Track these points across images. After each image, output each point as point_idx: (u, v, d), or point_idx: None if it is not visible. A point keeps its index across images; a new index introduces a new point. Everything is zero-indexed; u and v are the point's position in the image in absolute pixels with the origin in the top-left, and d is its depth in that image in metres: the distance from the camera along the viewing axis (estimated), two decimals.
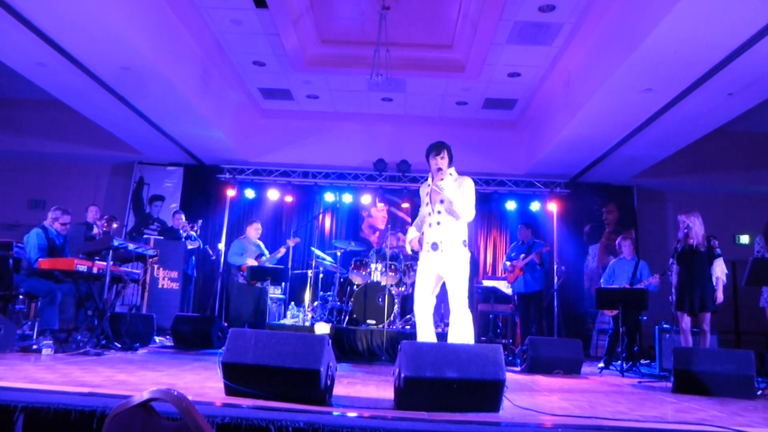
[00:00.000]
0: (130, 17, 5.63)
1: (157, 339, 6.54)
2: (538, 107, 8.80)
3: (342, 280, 7.53)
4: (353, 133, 9.86)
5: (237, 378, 2.93)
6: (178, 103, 7.36)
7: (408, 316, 7.15)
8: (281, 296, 8.38)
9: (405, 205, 9.81)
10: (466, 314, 3.88)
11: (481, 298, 7.73)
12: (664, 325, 6.53)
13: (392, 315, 6.71)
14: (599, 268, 9.20)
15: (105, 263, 5.25)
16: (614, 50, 5.91)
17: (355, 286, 7.12)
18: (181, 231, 7.89)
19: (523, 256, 7.39)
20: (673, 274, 5.51)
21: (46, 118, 9.57)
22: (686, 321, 5.47)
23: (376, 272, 7.07)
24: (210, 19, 6.90)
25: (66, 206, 5.81)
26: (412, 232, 4.24)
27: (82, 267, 5.06)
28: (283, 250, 7.63)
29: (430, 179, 4.13)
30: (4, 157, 10.13)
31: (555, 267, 9.10)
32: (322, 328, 6.44)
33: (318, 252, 7.68)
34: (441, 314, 6.91)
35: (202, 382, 3.56)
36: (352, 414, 2.58)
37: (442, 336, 4.52)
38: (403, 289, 7.12)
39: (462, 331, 3.85)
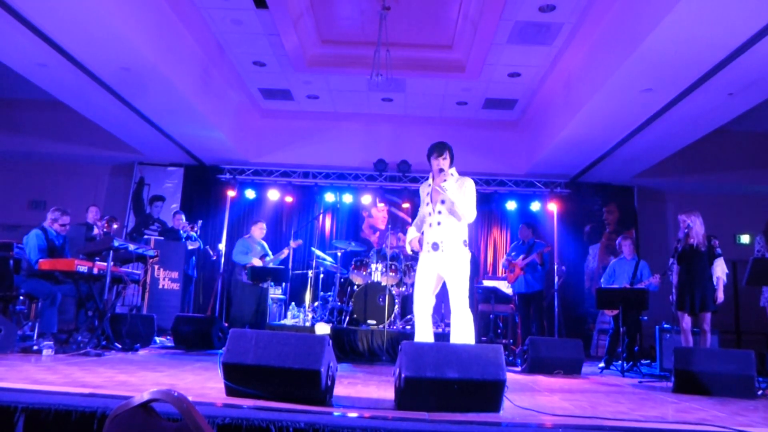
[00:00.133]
0: (130, 18, 5.63)
1: (157, 339, 6.54)
2: (539, 107, 8.80)
3: (342, 280, 7.53)
4: (353, 134, 9.86)
5: (238, 378, 2.93)
6: (178, 104, 7.37)
7: (408, 317, 7.15)
8: (281, 296, 8.39)
9: (405, 205, 9.80)
10: (467, 314, 3.88)
11: (481, 298, 7.73)
12: (665, 325, 6.52)
13: (393, 315, 6.71)
14: (600, 268, 9.20)
15: (105, 264, 5.25)
16: (614, 50, 5.91)
17: (355, 287, 7.12)
18: (182, 231, 7.89)
19: (523, 256, 7.39)
20: (674, 274, 5.51)
21: (47, 119, 9.57)
22: (687, 321, 5.47)
23: (377, 272, 7.07)
24: (210, 20, 6.90)
25: (66, 207, 5.82)
26: (412, 232, 4.24)
27: (83, 268, 5.06)
28: (286, 252, 7.68)
29: (430, 179, 4.13)
30: (4, 158, 10.14)
31: (555, 267, 9.10)
32: (323, 329, 6.44)
33: (318, 252, 7.68)
34: (442, 314, 6.91)
35: (202, 382, 3.56)
36: (352, 414, 2.58)
37: (443, 336, 4.53)
38: (403, 289, 7.12)
39: (463, 331, 3.85)
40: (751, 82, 5.85)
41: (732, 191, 9.85)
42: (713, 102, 6.42)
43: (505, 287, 7.73)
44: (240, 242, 7.51)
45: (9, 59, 6.35)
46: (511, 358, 6.39)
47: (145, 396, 1.50)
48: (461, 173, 4.12)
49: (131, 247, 5.65)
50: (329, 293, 7.41)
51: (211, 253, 8.53)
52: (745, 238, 9.73)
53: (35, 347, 4.74)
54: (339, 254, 7.76)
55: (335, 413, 2.59)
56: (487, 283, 8.20)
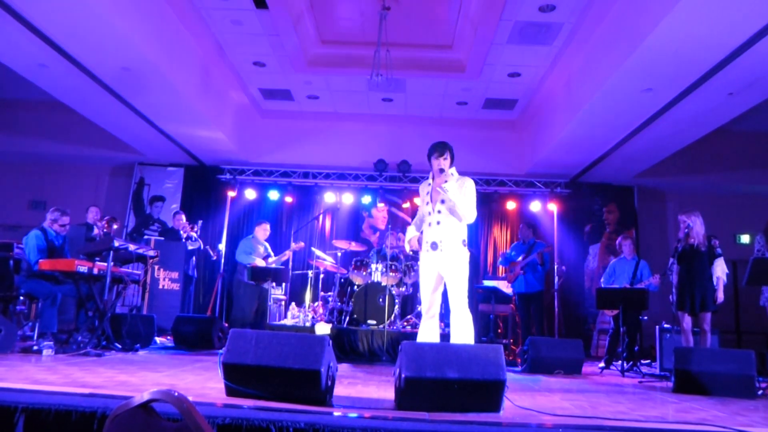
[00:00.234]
0: (130, 18, 5.63)
1: (157, 340, 6.54)
2: (539, 107, 8.80)
3: (342, 280, 7.54)
4: (353, 134, 9.86)
5: (238, 378, 2.93)
6: (178, 104, 7.37)
7: (408, 317, 7.15)
8: (282, 296, 8.39)
9: (405, 205, 9.80)
10: (466, 314, 3.88)
11: (481, 298, 7.72)
12: (665, 325, 6.52)
13: (393, 315, 6.71)
14: (600, 268, 9.19)
15: (105, 264, 5.25)
16: (615, 50, 5.91)
17: (355, 287, 7.12)
18: (182, 232, 7.89)
19: (523, 256, 7.40)
20: (674, 274, 5.50)
21: (47, 119, 9.58)
22: (687, 321, 5.47)
23: (377, 272, 7.07)
24: (210, 20, 6.90)
25: (66, 207, 5.82)
26: (411, 232, 4.24)
27: (83, 268, 5.06)
28: (288, 254, 7.73)
29: (430, 178, 4.13)
30: (4, 158, 10.14)
31: (556, 267, 9.11)
32: (323, 329, 6.44)
33: (318, 252, 7.68)
34: (441, 314, 6.89)
35: (202, 382, 3.57)
36: (352, 414, 2.58)
37: (443, 336, 4.53)
38: (403, 289, 7.12)
39: (462, 331, 3.85)
40: (751, 81, 5.85)
41: (732, 191, 9.84)
42: (713, 102, 6.42)
43: (505, 287, 7.73)
44: (244, 242, 7.55)
45: (9, 60, 6.36)
46: (511, 358, 6.39)
47: (146, 396, 1.50)
48: (461, 173, 4.12)
49: (131, 247, 5.65)
50: (329, 293, 7.41)
51: (212, 253, 8.53)
52: (745, 238, 9.72)
53: (35, 347, 4.74)
54: (339, 254, 7.76)
55: (335, 413, 2.59)
56: (487, 283, 8.20)
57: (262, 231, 7.60)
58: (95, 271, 5.20)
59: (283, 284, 8.20)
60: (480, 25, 6.64)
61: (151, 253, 6.01)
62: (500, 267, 9.03)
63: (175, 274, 7.85)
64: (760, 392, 4.27)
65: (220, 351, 3.05)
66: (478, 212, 4.10)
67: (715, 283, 5.38)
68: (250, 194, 9.73)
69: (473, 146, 9.57)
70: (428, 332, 4.03)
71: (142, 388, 3.10)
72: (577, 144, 8.03)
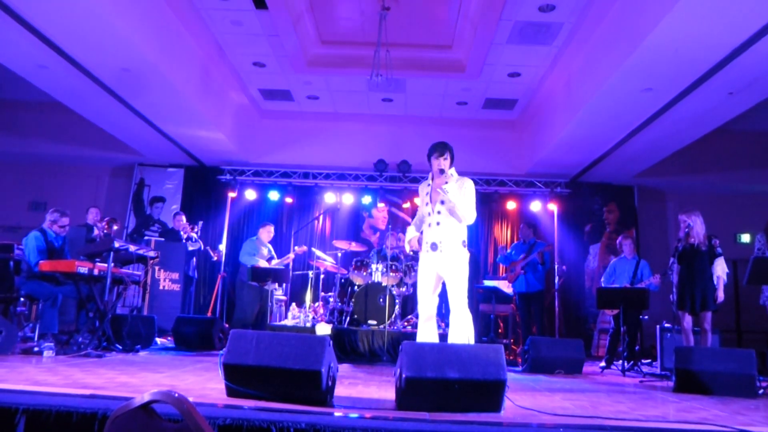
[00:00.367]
0: (130, 19, 5.63)
1: (158, 340, 6.54)
2: (539, 107, 8.80)
3: (343, 280, 7.53)
4: (353, 134, 9.86)
5: (238, 379, 2.93)
6: (178, 105, 7.37)
7: (409, 317, 7.15)
8: (282, 297, 8.39)
9: (406, 205, 9.80)
10: (466, 314, 3.89)
11: (482, 298, 7.73)
12: (666, 325, 6.52)
13: (393, 315, 6.71)
14: (600, 268, 9.19)
15: (106, 265, 5.25)
16: (614, 50, 5.91)
17: (356, 287, 7.11)
18: (182, 232, 7.89)
19: (524, 255, 7.40)
20: (674, 274, 5.50)
21: (47, 120, 9.58)
22: (687, 320, 5.47)
23: (377, 273, 7.07)
24: (210, 20, 6.90)
25: (67, 208, 5.82)
26: (411, 232, 4.24)
27: (83, 269, 5.06)
28: (291, 256, 7.76)
29: (430, 178, 4.13)
30: (4, 159, 10.14)
31: (556, 267, 9.11)
32: (323, 329, 6.44)
33: (319, 253, 7.68)
34: (442, 314, 6.90)
35: (203, 383, 3.57)
36: (353, 415, 2.58)
37: (443, 336, 4.53)
38: (404, 289, 7.12)
39: (462, 331, 3.85)
40: (751, 81, 5.85)
41: (732, 190, 9.84)
42: (713, 101, 6.42)
43: (505, 287, 7.74)
44: (248, 243, 7.57)
45: (9, 61, 6.36)
46: (511, 358, 6.39)
47: (146, 397, 1.50)
48: (461, 173, 4.12)
49: (132, 248, 5.65)
50: (330, 294, 7.41)
51: (212, 254, 8.54)
52: (745, 237, 9.72)
53: (36, 348, 4.75)
54: (339, 254, 7.76)
55: (336, 413, 2.59)
56: (487, 282, 8.20)
57: (266, 233, 7.62)
58: (96, 272, 5.20)
59: (284, 285, 8.21)
60: (480, 25, 6.64)
61: (152, 254, 6.01)
62: (501, 267, 9.03)
63: (175, 275, 7.85)
64: (760, 391, 4.27)
65: (221, 352, 3.05)
66: (478, 212, 4.10)
67: (715, 283, 5.39)
68: (251, 195, 9.73)
69: (473, 146, 9.57)
70: (427, 333, 4.02)
71: (143, 389, 3.10)
72: (577, 144, 8.03)
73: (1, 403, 2.29)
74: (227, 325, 7.51)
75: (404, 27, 7.09)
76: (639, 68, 5.71)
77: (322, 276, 7.87)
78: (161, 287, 7.80)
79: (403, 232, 7.74)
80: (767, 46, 5.06)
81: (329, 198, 9.74)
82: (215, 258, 8.74)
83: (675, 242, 5.64)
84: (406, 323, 6.91)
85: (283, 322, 7.27)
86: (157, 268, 7.69)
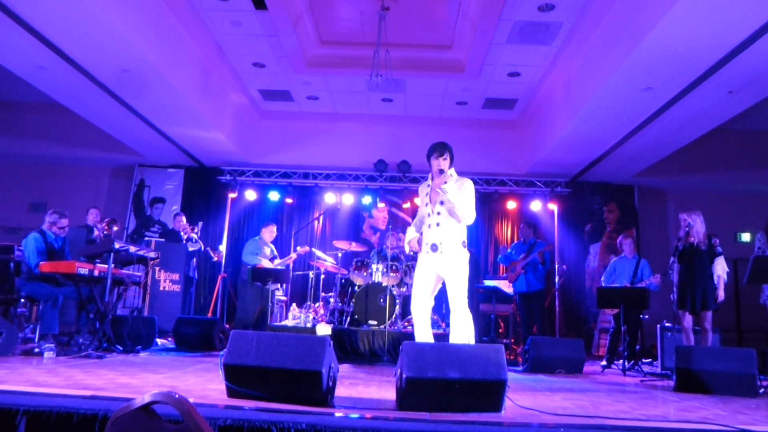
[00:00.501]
0: (130, 19, 5.63)
1: (158, 341, 6.54)
2: (539, 107, 8.80)
3: (343, 281, 7.54)
4: (353, 134, 9.86)
5: (239, 380, 2.93)
6: (178, 105, 7.37)
7: (409, 317, 7.14)
8: (283, 297, 8.40)
9: (406, 205, 9.80)
10: (467, 314, 3.88)
11: (482, 298, 7.73)
12: (666, 324, 6.52)
13: (393, 316, 6.71)
14: (600, 267, 9.19)
15: (106, 266, 5.25)
16: (614, 49, 5.91)
17: (356, 287, 7.11)
18: (182, 233, 7.90)
19: (524, 255, 7.40)
20: (674, 273, 5.50)
21: (47, 121, 9.58)
22: (688, 319, 5.47)
23: (377, 273, 7.07)
24: (210, 21, 6.90)
25: (67, 209, 5.82)
26: (410, 233, 4.24)
27: (84, 270, 5.06)
28: (294, 256, 7.77)
29: (429, 179, 4.13)
30: (4, 160, 10.14)
31: (556, 266, 9.11)
32: (324, 329, 6.44)
33: (319, 253, 7.68)
34: (442, 315, 6.91)
35: (204, 384, 3.57)
36: (354, 415, 2.58)
37: (444, 337, 4.53)
38: (404, 289, 7.12)
39: (462, 331, 3.85)
40: (750, 80, 5.85)
41: (732, 189, 9.84)
42: (713, 100, 6.42)
43: (506, 287, 7.74)
44: (250, 243, 7.58)
45: (9, 62, 6.36)
46: (512, 358, 6.38)
47: (147, 398, 1.50)
48: (461, 173, 4.12)
49: (132, 249, 5.65)
50: (330, 294, 7.41)
51: (212, 254, 8.54)
52: (745, 237, 9.72)
53: (36, 350, 4.75)
54: (339, 255, 7.76)
55: (337, 414, 2.59)
56: (488, 282, 8.20)
57: (269, 233, 7.63)
58: (96, 273, 5.20)
59: (284, 285, 8.21)
60: (479, 25, 6.64)
61: (152, 254, 6.01)
62: (501, 266, 9.03)
63: (175, 276, 7.85)
64: (761, 391, 4.27)
65: (221, 352, 3.05)
66: (478, 212, 4.10)
67: (715, 282, 5.38)
68: (251, 195, 9.73)
69: (473, 146, 9.57)
70: (423, 334, 4.01)
71: (144, 390, 3.10)
72: (577, 143, 8.03)
73: (1, 404, 2.29)
74: (228, 326, 7.52)
75: (404, 27, 7.09)
76: (639, 67, 5.71)
77: (322, 276, 7.87)
78: (161, 288, 7.80)
79: (404, 232, 7.74)
80: (767, 44, 5.06)
81: (329, 198, 9.74)
82: (215, 258, 8.74)
83: (675, 241, 5.64)
84: (406, 323, 6.90)
85: (283, 323, 7.27)
86: (157, 269, 7.69)
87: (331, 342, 3.06)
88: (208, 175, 9.96)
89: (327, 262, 7.64)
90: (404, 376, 2.84)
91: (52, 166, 10.20)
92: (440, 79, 8.12)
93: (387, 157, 9.54)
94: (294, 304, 7.74)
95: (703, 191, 9.88)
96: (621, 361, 5.98)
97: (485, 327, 7.72)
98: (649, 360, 7.23)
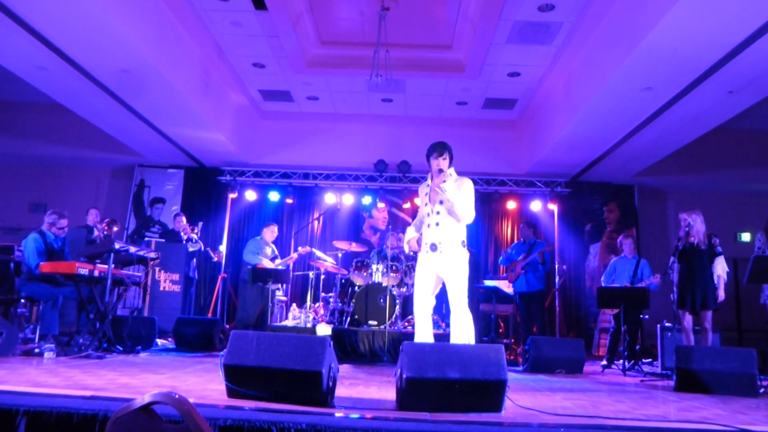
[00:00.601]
0: (130, 20, 5.63)
1: (158, 341, 6.54)
2: (539, 107, 8.80)
3: (343, 281, 7.54)
4: (353, 134, 9.86)
5: (239, 380, 2.93)
6: (178, 106, 7.37)
7: (409, 317, 7.14)
8: (283, 298, 8.40)
9: (406, 205, 9.81)
10: (467, 314, 3.89)
11: (482, 298, 7.73)
12: (666, 324, 6.52)
13: (394, 316, 6.71)
14: (601, 267, 9.19)
15: (106, 266, 5.25)
16: (614, 49, 5.91)
17: (356, 287, 7.11)
18: (182, 233, 7.90)
19: (524, 255, 7.40)
20: (675, 273, 5.50)
21: (47, 122, 9.58)
22: (688, 319, 5.47)
23: (378, 273, 7.07)
24: (209, 21, 6.90)
25: (67, 209, 5.82)
26: (410, 232, 4.25)
27: (84, 270, 5.06)
28: (295, 256, 7.78)
29: (429, 179, 4.13)
30: (4, 161, 10.14)
31: (556, 266, 9.10)
32: (324, 330, 6.44)
33: (319, 253, 7.69)
34: (442, 315, 6.91)
35: (204, 384, 3.57)
36: (354, 415, 2.58)
37: (444, 337, 4.53)
38: (404, 289, 7.12)
39: (462, 331, 3.85)
40: (750, 79, 5.84)
41: (732, 189, 9.84)
42: (713, 100, 6.42)
43: (506, 287, 7.74)
44: (251, 242, 7.59)
45: (8, 62, 6.36)
46: (512, 358, 6.38)
47: (147, 398, 1.50)
48: (462, 173, 4.12)
49: (132, 249, 5.65)
50: (330, 294, 7.41)
51: (212, 254, 8.54)
52: (745, 236, 9.72)
53: (36, 350, 4.75)
54: (340, 255, 7.77)
55: (337, 414, 2.59)
56: (488, 282, 8.20)
57: (270, 233, 7.64)
58: (96, 273, 5.19)
59: (285, 285, 8.22)
60: (479, 25, 6.64)
61: (152, 255, 6.01)
62: (501, 266, 9.03)
63: (175, 276, 7.85)
64: (761, 390, 4.27)
65: (222, 353, 3.05)
66: (478, 212, 4.11)
67: (715, 282, 5.38)
68: (251, 195, 9.73)
69: (473, 146, 9.57)
70: (423, 334, 4.02)
71: (144, 390, 3.10)
72: (577, 143, 8.03)
73: (2, 405, 2.29)
74: (228, 326, 7.52)
75: (404, 27, 7.09)
76: (639, 67, 5.71)
77: (322, 276, 7.87)
78: (162, 288, 7.80)
79: (404, 232, 7.74)
80: (767, 44, 5.06)
81: (329, 198, 9.74)
82: (216, 259, 8.74)
83: (675, 241, 5.64)
84: (406, 323, 6.91)
85: (283, 323, 7.27)
86: (157, 269, 7.69)
87: (331, 342, 3.06)
88: (208, 176, 9.96)
89: (327, 262, 7.64)
90: (404, 376, 2.84)
91: (52, 166, 10.21)
92: (440, 79, 8.12)
93: (387, 157, 9.54)
94: (294, 305, 7.74)
95: (703, 191, 9.89)
96: (621, 361, 5.97)
97: (485, 327, 7.72)
98: (650, 360, 7.24)
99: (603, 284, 6.73)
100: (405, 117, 9.71)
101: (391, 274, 6.93)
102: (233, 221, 9.85)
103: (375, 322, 6.62)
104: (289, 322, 7.19)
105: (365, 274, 7.17)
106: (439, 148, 4.04)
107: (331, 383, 2.95)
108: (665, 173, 9.48)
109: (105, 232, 6.77)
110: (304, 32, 7.24)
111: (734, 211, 9.65)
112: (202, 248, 8.19)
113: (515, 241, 8.41)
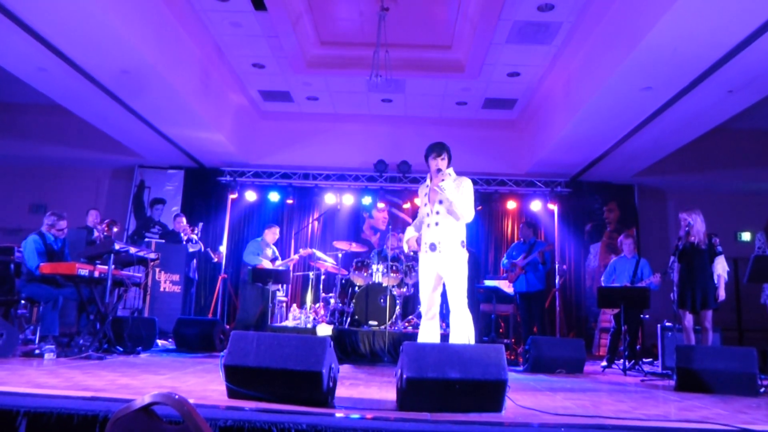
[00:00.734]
0: (129, 21, 5.64)
1: (159, 342, 6.55)
2: (538, 106, 8.80)
3: (343, 281, 7.53)
4: (353, 135, 9.86)
5: (239, 380, 2.93)
6: (178, 106, 7.37)
7: (410, 317, 7.15)
8: (283, 298, 8.40)
9: (406, 205, 9.81)
10: (466, 314, 3.89)
11: (483, 297, 7.73)
12: (666, 323, 6.52)
13: (394, 316, 6.71)
14: (601, 267, 9.19)
15: (106, 267, 5.25)
16: (614, 49, 5.91)
17: (356, 288, 7.11)
18: (183, 234, 7.90)
19: (524, 255, 7.39)
20: (675, 272, 5.50)
21: (47, 123, 9.58)
22: (688, 319, 5.47)
23: (378, 273, 7.07)
24: (209, 22, 6.90)
25: (67, 210, 5.82)
26: (410, 232, 4.26)
27: (84, 271, 5.06)
28: (296, 258, 7.78)
29: (428, 179, 4.14)
30: (5, 162, 10.14)
31: (557, 266, 9.10)
32: (324, 330, 6.44)
33: (319, 254, 7.69)
34: (443, 315, 6.90)
35: (204, 385, 3.57)
36: (354, 416, 2.58)
37: (444, 337, 4.53)
38: (404, 289, 7.12)
39: (462, 331, 3.86)
40: (750, 79, 5.84)
41: (732, 189, 9.84)
42: (713, 99, 6.42)
43: (506, 287, 7.74)
44: (252, 243, 7.59)
45: (9, 64, 6.36)
46: (512, 358, 6.38)
47: (147, 399, 1.50)
48: (462, 173, 4.13)
49: (132, 250, 5.65)
50: (330, 294, 7.41)
51: (212, 255, 8.54)
52: (745, 236, 9.72)
53: (37, 351, 4.75)
54: (340, 255, 7.77)
55: (337, 414, 2.59)
56: (488, 282, 8.20)
57: (272, 234, 7.65)
58: (96, 274, 5.20)
59: (285, 286, 8.22)
60: (479, 24, 6.64)
61: (152, 255, 6.01)
62: (500, 267, 9.03)
63: (176, 277, 7.85)
64: (762, 390, 4.27)
65: (222, 353, 3.05)
66: (478, 212, 4.11)
67: (716, 281, 5.38)
68: (251, 196, 9.73)
69: (473, 146, 9.57)
70: (428, 333, 4.04)
71: (144, 391, 3.10)
72: (577, 143, 8.03)
73: (2, 406, 2.29)
74: (228, 327, 7.52)
75: (403, 27, 7.09)
76: (638, 67, 5.71)
77: (322, 277, 7.87)
78: (162, 289, 7.80)
79: (404, 232, 7.75)
80: (766, 44, 5.06)
81: (329, 199, 9.74)
82: (216, 259, 8.74)
83: (675, 241, 5.64)
84: (407, 324, 6.91)
85: (283, 323, 7.27)
86: (157, 270, 7.69)
87: (332, 342, 3.06)
88: (208, 176, 9.96)
89: (327, 262, 7.64)
90: (405, 376, 2.84)
91: (52, 167, 10.21)
92: (440, 79, 8.12)
93: (387, 157, 9.54)
94: (294, 305, 7.74)
95: (703, 190, 9.89)
96: (622, 360, 5.97)
97: (486, 327, 7.71)
98: (650, 359, 7.23)
99: (603, 284, 6.73)
100: (405, 117, 9.71)
101: (392, 275, 6.93)
102: (233, 222, 9.85)
103: (375, 323, 6.62)
104: (290, 323, 7.19)
105: (365, 274, 7.17)
106: (437, 148, 4.05)
107: (331, 383, 2.95)
108: (665, 173, 9.48)
109: (105, 233, 6.76)
110: (303, 32, 7.24)
111: (734, 211, 9.64)
112: (203, 249, 8.20)
113: (515, 241, 8.40)
